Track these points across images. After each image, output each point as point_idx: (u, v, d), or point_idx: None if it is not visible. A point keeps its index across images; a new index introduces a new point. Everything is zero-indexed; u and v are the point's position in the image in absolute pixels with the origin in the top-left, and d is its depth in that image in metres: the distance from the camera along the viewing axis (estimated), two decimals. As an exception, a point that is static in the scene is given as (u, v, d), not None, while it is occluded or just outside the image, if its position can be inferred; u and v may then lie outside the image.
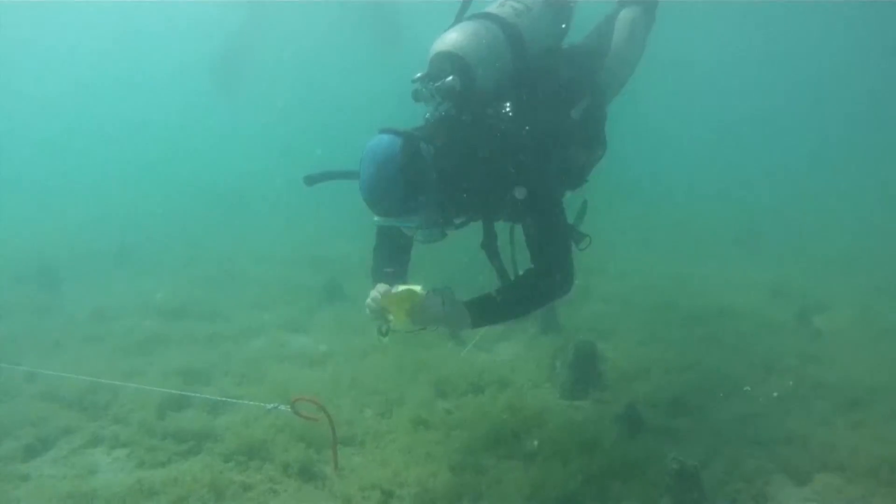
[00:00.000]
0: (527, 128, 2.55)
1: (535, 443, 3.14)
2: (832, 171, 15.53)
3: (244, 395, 3.90)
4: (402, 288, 2.44)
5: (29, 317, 5.77)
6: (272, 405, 2.90)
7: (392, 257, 2.82)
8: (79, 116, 26.75)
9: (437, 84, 2.45)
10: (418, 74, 2.52)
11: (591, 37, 3.26)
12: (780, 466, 3.04)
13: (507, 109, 2.57)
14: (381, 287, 2.53)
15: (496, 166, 2.44)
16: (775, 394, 3.76)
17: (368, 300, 2.54)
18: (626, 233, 9.08)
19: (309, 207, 9.53)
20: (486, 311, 2.48)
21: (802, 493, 2.88)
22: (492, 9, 2.72)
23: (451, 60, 2.49)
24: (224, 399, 3.56)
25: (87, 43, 25.22)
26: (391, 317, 2.44)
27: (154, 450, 3.34)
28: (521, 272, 2.57)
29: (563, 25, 2.91)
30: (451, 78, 2.43)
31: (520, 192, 2.45)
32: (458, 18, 2.73)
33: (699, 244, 8.74)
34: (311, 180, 2.50)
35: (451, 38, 2.54)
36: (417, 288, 2.44)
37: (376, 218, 2.36)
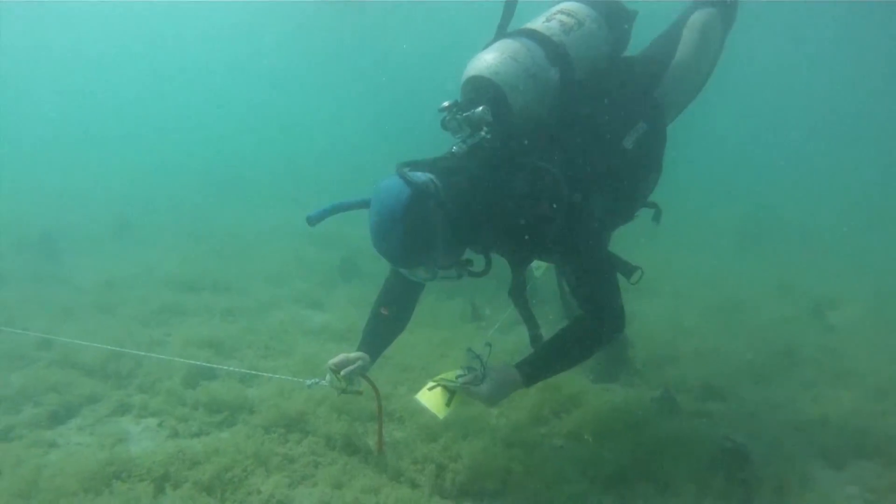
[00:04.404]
0: (569, 164, 2.28)
1: (588, 437, 3.05)
2: (839, 168, 15.61)
3: (273, 368, 3.83)
4: (432, 385, 2.43)
5: (33, 284, 5.58)
6: (311, 381, 2.74)
7: (398, 295, 2.69)
8: (80, 94, 26.09)
9: (466, 114, 2.18)
10: (445, 104, 2.23)
11: (655, 45, 2.83)
12: (818, 450, 3.08)
13: (547, 143, 2.29)
14: (338, 359, 2.51)
15: (530, 209, 2.20)
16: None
17: (330, 363, 2.50)
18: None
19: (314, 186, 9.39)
20: (539, 369, 2.40)
21: (843, 477, 2.93)
22: (537, 24, 2.42)
23: (483, 87, 2.23)
24: (257, 373, 3.48)
25: (89, 29, 24.56)
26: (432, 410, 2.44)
27: (186, 420, 3.26)
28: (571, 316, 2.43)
29: (622, 36, 2.59)
30: (481, 108, 2.16)
31: (558, 238, 2.25)
32: (499, 32, 2.47)
33: (704, 238, 8.83)
34: (313, 220, 2.24)
35: (486, 62, 2.26)
36: (452, 375, 2.42)
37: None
